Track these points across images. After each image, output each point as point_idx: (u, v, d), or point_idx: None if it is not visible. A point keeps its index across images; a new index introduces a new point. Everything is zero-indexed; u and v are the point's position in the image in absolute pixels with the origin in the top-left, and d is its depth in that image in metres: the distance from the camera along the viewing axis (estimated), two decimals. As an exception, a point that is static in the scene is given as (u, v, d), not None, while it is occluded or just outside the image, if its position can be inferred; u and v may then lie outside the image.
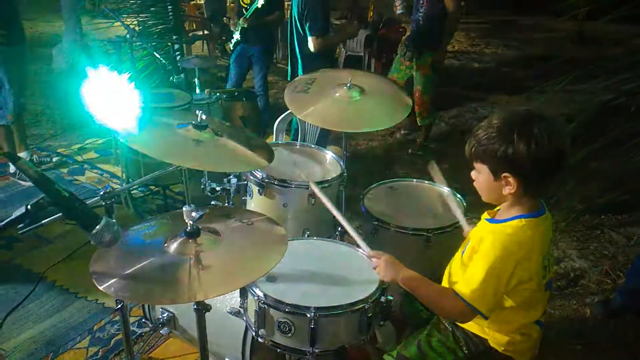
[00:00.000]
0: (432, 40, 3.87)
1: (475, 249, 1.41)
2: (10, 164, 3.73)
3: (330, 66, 3.55)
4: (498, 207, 1.48)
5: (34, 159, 3.89)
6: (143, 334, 2.33)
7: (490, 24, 12.67)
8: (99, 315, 2.48)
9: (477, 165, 1.39)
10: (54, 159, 4.00)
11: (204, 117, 1.56)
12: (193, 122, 1.55)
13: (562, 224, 3.27)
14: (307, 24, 3.21)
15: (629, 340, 2.45)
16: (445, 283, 1.58)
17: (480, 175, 1.39)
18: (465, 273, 1.39)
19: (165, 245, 1.25)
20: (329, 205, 1.77)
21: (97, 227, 1.09)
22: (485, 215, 1.49)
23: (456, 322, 1.50)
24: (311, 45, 3.22)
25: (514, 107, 6.10)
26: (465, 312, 1.35)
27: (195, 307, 1.36)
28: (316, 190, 1.85)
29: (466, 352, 1.50)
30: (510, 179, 1.32)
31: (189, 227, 1.24)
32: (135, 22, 5.06)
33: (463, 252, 1.49)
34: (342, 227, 1.74)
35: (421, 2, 3.85)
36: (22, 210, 1.11)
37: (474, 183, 1.44)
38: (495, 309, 1.38)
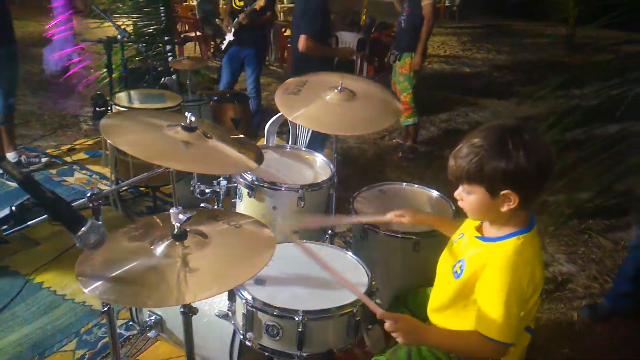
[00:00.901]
0: (410, 42, 4.13)
1: (477, 274, 1.36)
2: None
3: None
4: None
5: (22, 160, 3.86)
6: (130, 336, 2.32)
7: (482, 29, 12.77)
8: (86, 317, 2.46)
9: (468, 187, 1.33)
10: (43, 160, 3.97)
11: (193, 118, 1.55)
12: (182, 123, 1.54)
13: (550, 228, 3.29)
14: (302, 22, 3.24)
15: (616, 344, 2.47)
16: (432, 301, 1.55)
17: (473, 196, 1.33)
18: (483, 310, 1.33)
19: (152, 247, 1.24)
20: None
21: (83, 229, 1.08)
22: (473, 232, 1.45)
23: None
24: (300, 44, 3.26)
25: (503, 111, 6.16)
26: (499, 350, 1.33)
27: (182, 310, 1.36)
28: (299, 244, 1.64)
29: (455, 361, 1.49)
30: (511, 196, 1.27)
31: (176, 230, 1.23)
32: (128, 23, 5.03)
33: (457, 274, 1.42)
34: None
35: (404, 6, 4.17)
36: (6, 211, 1.10)
37: (460, 203, 1.39)
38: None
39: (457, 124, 5.64)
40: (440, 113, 5.79)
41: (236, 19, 4.39)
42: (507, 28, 13.09)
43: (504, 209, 1.30)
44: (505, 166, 1.24)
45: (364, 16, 8.74)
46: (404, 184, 2.33)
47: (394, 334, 1.35)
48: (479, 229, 1.46)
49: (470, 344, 1.36)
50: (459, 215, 2.06)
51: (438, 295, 1.54)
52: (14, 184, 3.52)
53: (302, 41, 3.27)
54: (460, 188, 1.37)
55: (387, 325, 1.34)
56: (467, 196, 1.35)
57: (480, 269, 1.35)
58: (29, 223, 1.29)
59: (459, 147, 1.33)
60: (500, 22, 13.70)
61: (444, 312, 1.50)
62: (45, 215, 1.24)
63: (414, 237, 1.96)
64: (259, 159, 1.68)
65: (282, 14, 10.66)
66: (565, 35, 9.76)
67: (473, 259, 1.40)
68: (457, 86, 7.25)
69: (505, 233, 1.36)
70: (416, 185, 2.30)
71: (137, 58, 5.13)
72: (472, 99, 6.64)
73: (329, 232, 2.26)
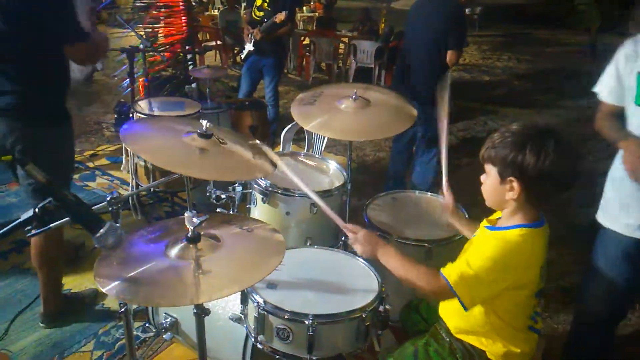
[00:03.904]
0: None
1: (477, 248, 1.42)
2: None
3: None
4: (498, 216, 1.50)
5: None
6: (147, 338, 2.37)
7: (502, 38, 12.69)
8: (104, 319, 2.52)
9: (487, 167, 1.42)
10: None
11: (208, 126, 1.59)
12: (198, 130, 1.59)
13: (569, 238, 3.25)
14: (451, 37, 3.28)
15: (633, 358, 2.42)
16: None
17: (488, 178, 1.42)
18: (458, 260, 1.40)
19: (167, 249, 1.28)
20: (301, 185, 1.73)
21: (101, 230, 1.13)
22: (484, 223, 1.51)
23: (429, 297, 1.53)
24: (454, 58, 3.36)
25: (528, 119, 6.11)
26: (444, 291, 1.37)
27: (194, 310, 1.39)
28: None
29: (463, 362, 1.50)
30: (515, 184, 1.35)
31: (190, 233, 1.27)
32: (150, 32, 5.16)
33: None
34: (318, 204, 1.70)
35: None
36: (30, 213, 1.15)
37: (482, 187, 1.47)
38: (475, 306, 1.40)
39: (475, 132, 5.61)
40: (458, 122, 5.77)
41: (253, 32, 4.46)
42: (528, 36, 12.99)
43: (508, 196, 1.37)
44: (514, 156, 1.32)
45: (383, 25, 8.78)
46: (417, 191, 2.35)
47: (354, 245, 1.52)
48: (492, 222, 1.49)
49: (422, 274, 1.43)
50: (473, 223, 2.07)
51: None
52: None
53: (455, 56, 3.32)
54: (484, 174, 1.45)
55: (350, 236, 1.51)
56: (486, 179, 1.44)
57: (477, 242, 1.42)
58: (51, 225, 1.35)
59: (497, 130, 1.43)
60: (520, 31, 13.59)
61: (451, 302, 1.52)
62: (67, 218, 1.29)
63: (426, 244, 1.97)
64: (274, 165, 1.72)
65: (301, 22, 10.78)
66: (588, 43, 9.65)
67: (475, 240, 1.48)
68: (476, 95, 7.22)
69: (511, 224, 1.41)
70: (429, 193, 2.31)
71: (158, 67, 5.25)
72: (492, 108, 6.61)
73: (343, 238, 2.28)
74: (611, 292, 1.86)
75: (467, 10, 12.72)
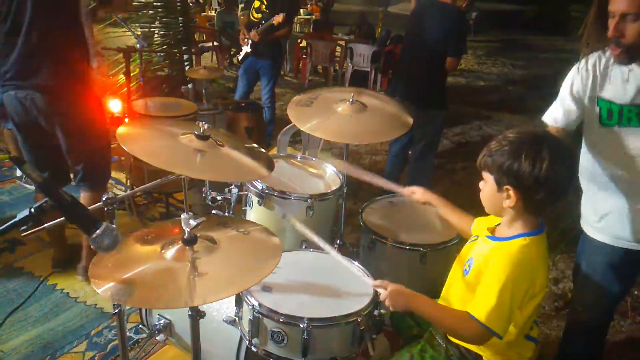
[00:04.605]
0: None
1: (482, 269, 1.42)
2: (17, 167, 3.79)
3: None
4: (497, 221, 1.50)
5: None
6: (140, 340, 2.36)
7: (497, 43, 12.76)
8: (97, 320, 2.51)
9: (485, 175, 1.43)
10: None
11: (206, 127, 1.59)
12: (195, 132, 1.59)
13: (561, 245, 3.27)
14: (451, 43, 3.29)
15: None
16: (442, 300, 1.59)
17: (486, 185, 1.43)
18: (477, 295, 1.39)
19: (163, 251, 1.28)
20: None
21: (97, 231, 1.12)
22: (485, 232, 1.51)
23: (473, 344, 1.49)
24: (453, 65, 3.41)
25: (522, 125, 6.15)
26: (482, 334, 1.36)
27: (189, 313, 1.39)
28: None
29: (458, 368, 1.50)
30: (511, 192, 1.36)
31: (186, 235, 1.26)
32: (147, 31, 5.15)
33: (466, 272, 1.49)
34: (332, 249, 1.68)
35: None
36: (26, 212, 1.14)
37: (480, 194, 1.48)
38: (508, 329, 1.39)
39: (470, 137, 5.64)
40: (453, 126, 5.79)
41: (251, 34, 4.45)
42: (523, 42, 13.07)
43: (506, 204, 1.38)
44: (510, 164, 1.33)
45: (379, 29, 8.81)
46: (413, 195, 2.34)
47: (385, 301, 1.46)
48: (492, 230, 1.49)
49: (457, 321, 1.41)
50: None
51: (448, 293, 1.58)
52: (33, 187, 3.61)
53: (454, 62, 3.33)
54: (482, 181, 1.46)
55: (381, 293, 1.46)
56: (484, 186, 1.44)
57: (486, 265, 1.41)
58: (46, 225, 1.34)
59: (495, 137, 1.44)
60: (516, 37, 13.68)
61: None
62: (62, 218, 1.29)
63: (421, 249, 1.97)
64: (270, 167, 1.72)
65: (298, 25, 10.79)
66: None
67: (480, 255, 1.46)
68: (471, 99, 7.26)
69: (513, 234, 1.41)
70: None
71: (155, 67, 5.24)
72: (487, 113, 6.65)
73: (338, 242, 2.28)
74: (598, 298, 1.86)
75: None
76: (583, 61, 1.68)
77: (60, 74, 2.31)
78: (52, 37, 2.27)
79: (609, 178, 1.68)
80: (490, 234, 1.49)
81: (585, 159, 1.74)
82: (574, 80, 1.71)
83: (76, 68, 2.38)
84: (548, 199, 1.36)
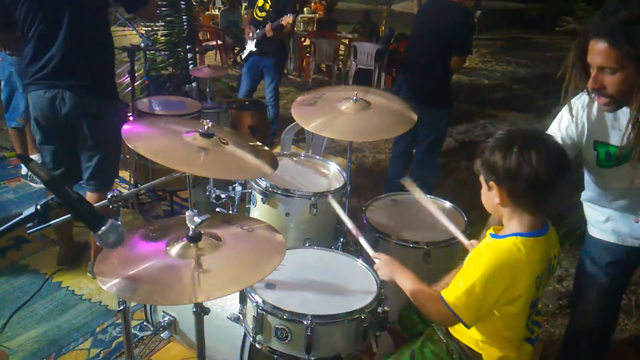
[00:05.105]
0: None
1: (470, 259, 1.44)
2: (22, 165, 3.81)
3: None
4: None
5: (46, 162, 3.97)
6: (144, 337, 2.37)
7: (502, 42, 12.72)
8: (102, 317, 2.52)
9: (480, 177, 1.44)
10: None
11: (210, 125, 1.60)
12: (200, 130, 1.60)
13: (566, 244, 3.26)
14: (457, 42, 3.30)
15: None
16: None
17: (482, 187, 1.44)
18: (454, 280, 1.41)
19: (168, 248, 1.29)
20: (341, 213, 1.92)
21: (103, 228, 1.13)
22: (490, 231, 1.50)
23: (441, 324, 1.53)
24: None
25: (526, 123, 6.13)
26: (447, 316, 1.37)
27: (194, 309, 1.40)
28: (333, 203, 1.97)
29: (458, 364, 1.51)
30: (496, 188, 1.37)
31: (190, 232, 1.27)
32: (151, 30, 5.16)
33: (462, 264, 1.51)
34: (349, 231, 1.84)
35: None
36: (32, 210, 1.15)
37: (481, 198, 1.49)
38: (479, 321, 1.40)
39: (474, 136, 5.63)
40: (458, 125, 5.78)
41: (259, 30, 4.45)
42: (528, 41, 13.03)
43: (496, 201, 1.39)
44: (487, 159, 1.37)
45: (383, 27, 8.80)
46: (417, 194, 2.34)
47: (377, 270, 1.64)
48: (497, 230, 1.49)
49: (429, 299, 1.45)
50: (471, 226, 2.08)
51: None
52: (38, 185, 3.64)
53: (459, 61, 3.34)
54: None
55: (376, 262, 1.65)
56: (482, 188, 1.45)
57: (474, 256, 1.43)
58: (51, 222, 1.35)
59: None
60: (520, 35, 13.63)
61: None
62: (67, 216, 1.30)
63: (425, 247, 1.98)
64: (274, 165, 1.73)
65: (302, 24, 10.79)
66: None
67: (476, 248, 1.48)
68: (475, 98, 7.25)
69: (506, 233, 1.41)
70: (428, 196, 2.32)
71: (159, 65, 5.25)
72: (491, 111, 6.63)
73: (341, 239, 2.28)
74: (601, 297, 1.86)
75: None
76: (575, 104, 1.64)
77: (92, 75, 2.41)
78: (86, 39, 2.36)
79: (612, 204, 1.69)
80: (493, 232, 1.49)
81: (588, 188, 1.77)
82: (568, 125, 1.66)
83: (106, 70, 2.51)
84: (532, 192, 1.33)
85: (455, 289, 1.37)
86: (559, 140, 1.61)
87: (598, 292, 1.84)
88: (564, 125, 1.67)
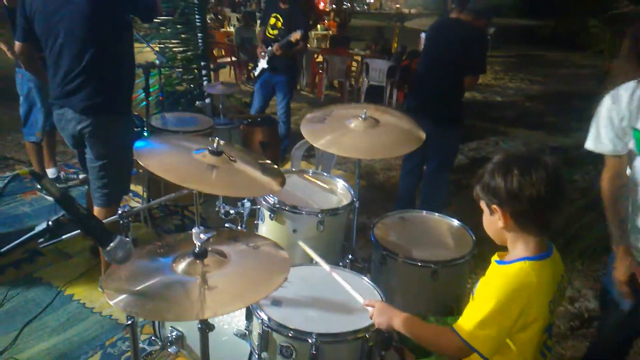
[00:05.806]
0: None
1: (480, 290, 1.41)
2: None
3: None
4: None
5: (61, 176, 4.05)
6: (152, 352, 2.38)
7: (515, 58, 12.71)
8: (111, 331, 2.54)
9: (480, 203, 1.43)
10: (81, 176, 4.15)
11: (220, 143, 1.62)
12: (209, 147, 1.62)
13: (577, 263, 3.22)
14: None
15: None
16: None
17: (484, 213, 1.43)
18: (465, 311, 1.39)
19: (174, 264, 1.31)
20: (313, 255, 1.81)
21: (112, 244, 1.16)
22: (495, 257, 1.49)
23: (452, 357, 1.49)
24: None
25: (539, 141, 6.10)
26: (461, 348, 1.35)
27: (199, 326, 1.41)
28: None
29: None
30: (499, 212, 1.36)
31: (197, 248, 1.29)
32: (165, 48, 5.26)
33: (473, 293, 1.49)
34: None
35: None
36: (44, 225, 1.18)
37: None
38: (497, 352, 1.37)
39: (486, 152, 5.61)
40: (469, 141, 5.77)
41: (269, 48, 4.52)
42: (541, 58, 12.99)
43: (499, 225, 1.37)
44: (487, 183, 1.36)
45: (395, 44, 8.86)
46: (424, 212, 2.35)
47: (372, 318, 1.54)
48: (501, 256, 1.48)
49: (439, 335, 1.43)
50: (479, 245, 2.08)
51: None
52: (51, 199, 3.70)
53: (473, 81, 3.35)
54: None
55: (369, 310, 1.55)
56: (483, 215, 1.44)
57: (484, 286, 1.41)
58: (63, 237, 1.38)
59: None
60: (533, 52, 13.61)
61: None
62: (78, 230, 1.33)
63: (433, 265, 1.97)
64: (282, 182, 1.75)
65: (315, 40, 10.91)
66: (601, 66, 9.63)
67: (484, 278, 1.45)
68: (488, 115, 7.23)
69: (513, 258, 1.39)
70: (437, 214, 2.32)
71: (174, 82, 5.34)
72: (503, 128, 6.61)
73: (349, 257, 2.29)
74: (631, 316, 1.83)
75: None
76: (621, 91, 1.66)
77: (104, 92, 2.42)
78: (97, 57, 2.36)
79: None
80: (498, 259, 1.47)
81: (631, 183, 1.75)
82: (611, 112, 1.68)
83: (121, 87, 2.51)
84: (535, 213, 1.33)
85: (468, 320, 1.35)
86: (613, 134, 1.66)
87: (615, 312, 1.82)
88: (616, 118, 1.68)
